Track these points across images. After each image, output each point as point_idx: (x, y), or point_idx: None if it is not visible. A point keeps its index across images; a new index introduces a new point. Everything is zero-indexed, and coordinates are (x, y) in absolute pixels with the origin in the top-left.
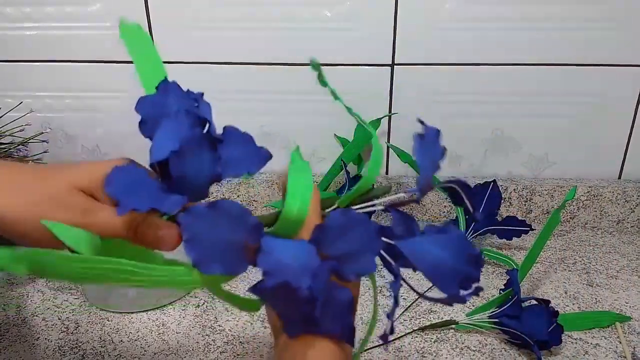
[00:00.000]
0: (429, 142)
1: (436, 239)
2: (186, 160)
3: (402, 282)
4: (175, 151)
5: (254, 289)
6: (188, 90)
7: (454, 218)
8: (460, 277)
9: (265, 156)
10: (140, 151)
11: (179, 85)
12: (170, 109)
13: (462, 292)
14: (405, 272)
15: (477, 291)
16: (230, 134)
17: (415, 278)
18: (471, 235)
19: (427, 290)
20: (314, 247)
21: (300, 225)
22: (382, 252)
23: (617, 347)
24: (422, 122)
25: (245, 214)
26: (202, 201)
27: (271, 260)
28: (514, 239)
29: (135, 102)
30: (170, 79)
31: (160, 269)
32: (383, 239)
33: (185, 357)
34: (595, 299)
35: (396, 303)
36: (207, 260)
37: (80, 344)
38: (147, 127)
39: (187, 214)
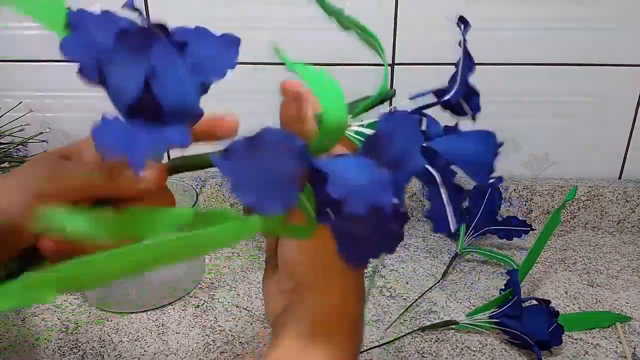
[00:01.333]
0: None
1: (467, 136)
2: (163, 80)
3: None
4: (149, 77)
5: (326, 218)
6: (105, 11)
7: None
8: (488, 167)
9: (235, 41)
10: None
11: (88, 12)
12: (105, 38)
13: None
14: (407, 269)
15: (500, 180)
16: (186, 34)
17: (415, 278)
18: (471, 235)
19: (428, 290)
20: (370, 160)
21: (343, 131)
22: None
23: (617, 347)
24: (463, 22)
25: (290, 138)
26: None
27: (344, 185)
28: (514, 239)
29: None
30: None
31: (212, 230)
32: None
33: (185, 357)
34: (596, 299)
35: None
36: (264, 201)
37: (80, 344)
38: (89, 71)
39: (225, 157)
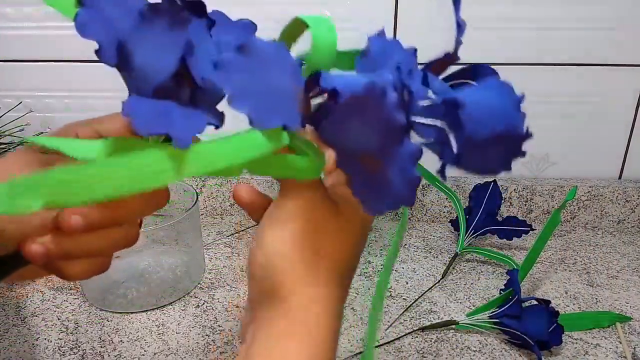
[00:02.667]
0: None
1: (479, 86)
2: (199, 58)
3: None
4: (186, 51)
5: (319, 117)
6: None
7: (455, 218)
8: (508, 122)
9: (251, 26)
10: None
11: None
12: (122, 14)
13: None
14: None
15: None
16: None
17: (415, 278)
18: (471, 235)
19: (431, 288)
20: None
21: (333, 53)
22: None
23: (617, 347)
24: None
25: (280, 49)
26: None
27: (337, 79)
28: (514, 239)
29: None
30: None
31: (224, 142)
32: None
33: (185, 357)
34: (596, 299)
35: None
36: (264, 112)
37: (80, 344)
38: (109, 51)
39: (221, 68)
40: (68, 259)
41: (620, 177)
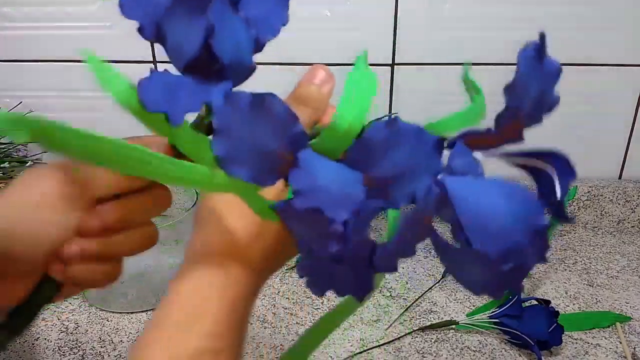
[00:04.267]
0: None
1: (500, 185)
2: (221, 37)
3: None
4: (207, 33)
5: (277, 206)
6: None
7: None
8: (510, 244)
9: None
10: None
11: None
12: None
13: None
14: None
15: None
16: None
17: (415, 278)
18: None
19: (432, 286)
20: (360, 175)
21: (350, 142)
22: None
23: (617, 347)
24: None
25: (291, 117)
26: (245, 91)
27: (306, 179)
28: None
29: None
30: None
31: (180, 164)
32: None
33: None
34: (596, 299)
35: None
36: (234, 160)
37: (80, 344)
38: (148, 30)
39: (226, 101)
40: (95, 261)
41: (620, 177)
